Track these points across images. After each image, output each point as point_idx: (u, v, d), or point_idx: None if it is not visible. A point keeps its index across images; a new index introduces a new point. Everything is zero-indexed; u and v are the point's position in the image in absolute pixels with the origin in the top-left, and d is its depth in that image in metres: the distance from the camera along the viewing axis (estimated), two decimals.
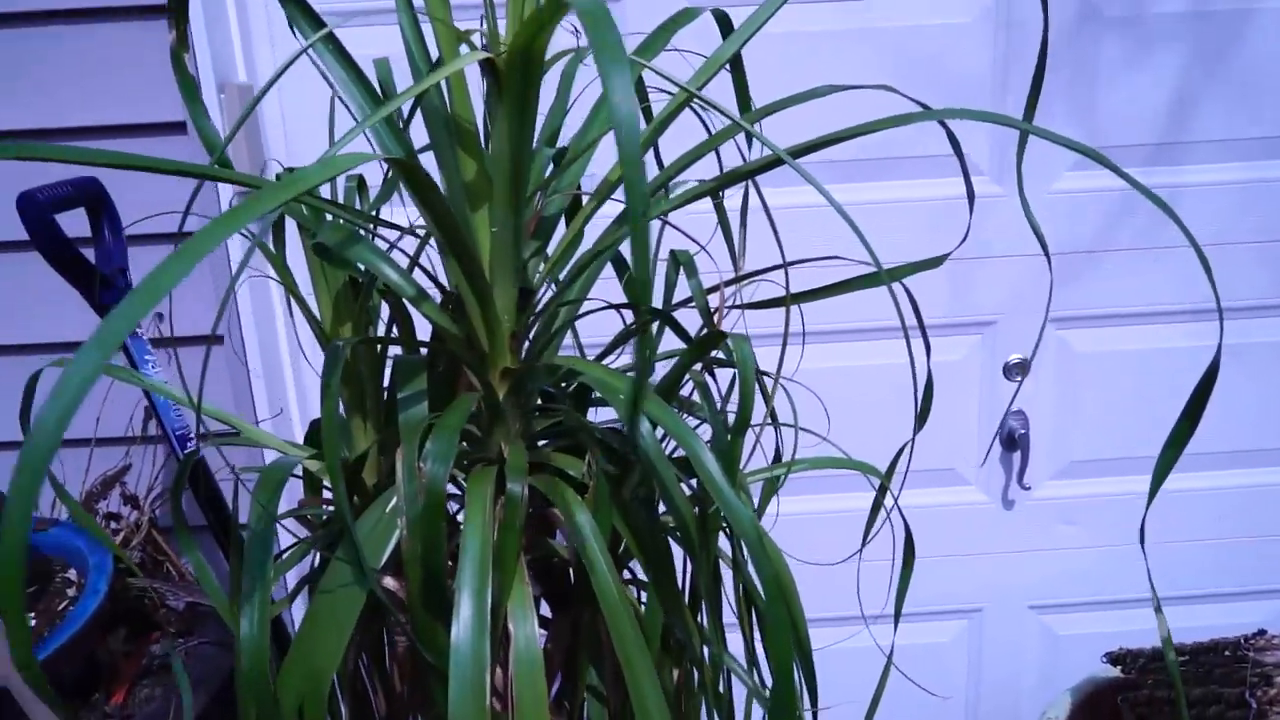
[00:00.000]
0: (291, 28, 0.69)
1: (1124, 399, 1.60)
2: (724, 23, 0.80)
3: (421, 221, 0.81)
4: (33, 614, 1.22)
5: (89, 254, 1.17)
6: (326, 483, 0.91)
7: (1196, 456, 1.63)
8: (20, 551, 0.35)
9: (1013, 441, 1.60)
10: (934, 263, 0.81)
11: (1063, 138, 0.55)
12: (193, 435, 1.19)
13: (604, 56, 0.39)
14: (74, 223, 1.15)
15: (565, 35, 0.70)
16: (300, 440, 0.98)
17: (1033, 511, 1.67)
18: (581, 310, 0.83)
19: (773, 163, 0.66)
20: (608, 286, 0.88)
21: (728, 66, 0.73)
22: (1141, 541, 0.67)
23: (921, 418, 0.76)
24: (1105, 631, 1.69)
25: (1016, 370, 1.58)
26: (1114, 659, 1.46)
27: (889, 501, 0.82)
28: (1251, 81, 1.46)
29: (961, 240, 0.84)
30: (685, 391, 0.84)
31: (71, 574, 1.27)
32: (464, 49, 0.68)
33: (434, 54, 0.73)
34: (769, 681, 0.79)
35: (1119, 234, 1.52)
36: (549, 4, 0.51)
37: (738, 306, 0.82)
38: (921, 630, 1.73)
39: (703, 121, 0.85)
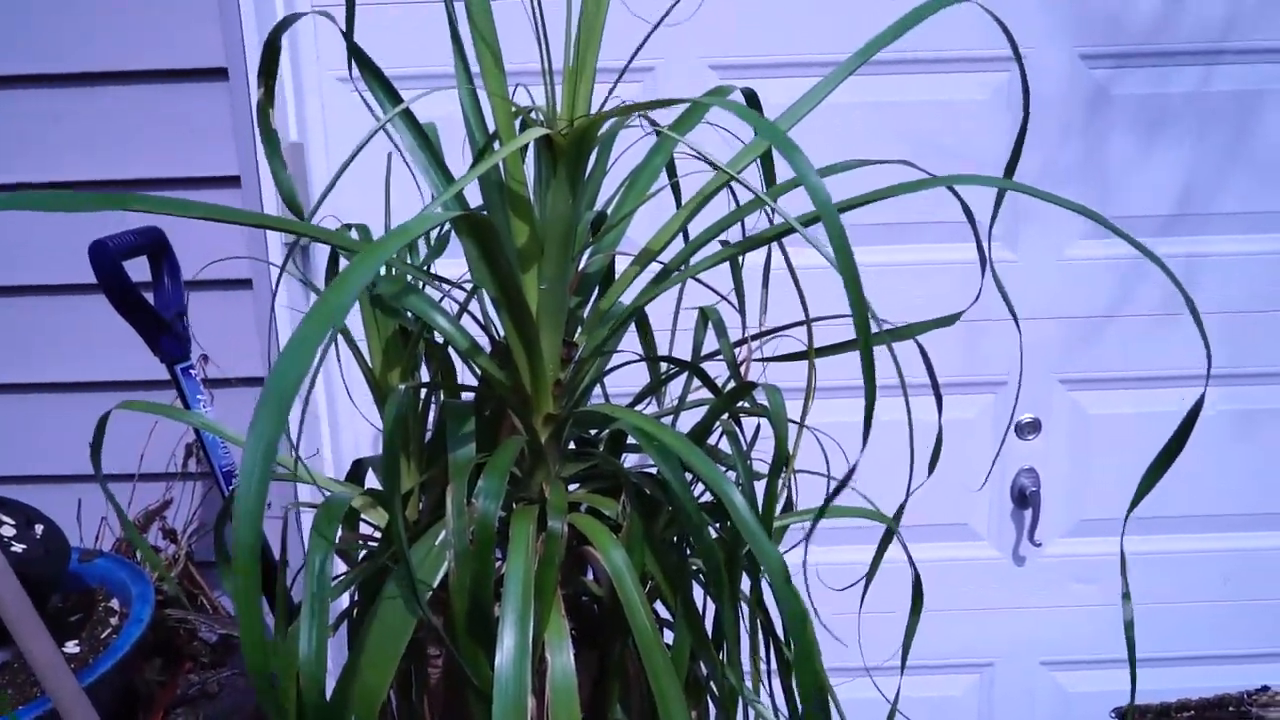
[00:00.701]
0: (374, 94, 0.76)
1: (1135, 460, 1.62)
2: (752, 100, 0.87)
3: (467, 276, 0.87)
4: (77, 641, 1.27)
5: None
6: (364, 518, 0.97)
7: (1211, 519, 1.67)
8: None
9: (1024, 499, 1.64)
10: (946, 321, 0.87)
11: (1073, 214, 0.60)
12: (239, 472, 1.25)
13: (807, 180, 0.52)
14: (135, 269, 1.22)
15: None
16: (339, 479, 1.04)
17: (1044, 568, 1.70)
18: (618, 362, 0.89)
19: (786, 230, 0.72)
20: (628, 340, 0.94)
21: (760, 156, 0.80)
22: (1126, 597, 0.71)
23: (932, 464, 0.81)
24: (1116, 690, 1.71)
25: (1028, 429, 1.63)
26: (1122, 715, 1.49)
27: (899, 547, 0.87)
28: (1264, 157, 1.52)
29: (973, 301, 0.90)
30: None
31: (114, 603, 1.32)
32: (520, 122, 0.75)
33: (488, 120, 0.80)
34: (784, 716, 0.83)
35: (1130, 300, 1.57)
36: (624, 108, 0.57)
37: (763, 360, 0.88)
38: (932, 683, 1.76)
39: (731, 191, 0.91)
